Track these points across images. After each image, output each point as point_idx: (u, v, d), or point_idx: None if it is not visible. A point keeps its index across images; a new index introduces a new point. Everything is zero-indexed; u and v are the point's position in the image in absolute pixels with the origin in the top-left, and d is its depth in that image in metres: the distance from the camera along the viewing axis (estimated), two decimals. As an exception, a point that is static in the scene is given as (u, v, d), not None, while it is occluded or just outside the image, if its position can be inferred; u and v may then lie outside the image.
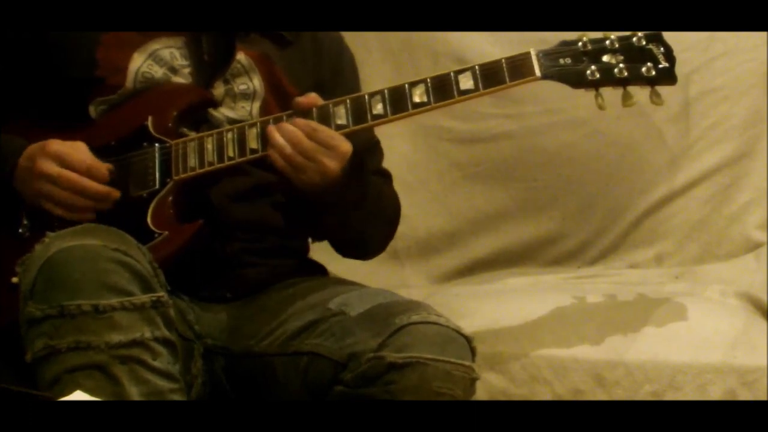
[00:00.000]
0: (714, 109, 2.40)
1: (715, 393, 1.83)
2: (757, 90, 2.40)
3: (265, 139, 1.59)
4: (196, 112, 1.69)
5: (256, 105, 1.72)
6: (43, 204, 1.59)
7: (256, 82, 1.72)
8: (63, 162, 1.58)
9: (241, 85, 1.72)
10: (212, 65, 1.71)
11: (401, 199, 2.21)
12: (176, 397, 1.43)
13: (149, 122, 1.66)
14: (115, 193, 1.60)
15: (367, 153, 1.72)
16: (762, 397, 1.81)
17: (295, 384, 1.56)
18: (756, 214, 2.39)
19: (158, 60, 1.69)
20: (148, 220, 1.60)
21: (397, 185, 2.54)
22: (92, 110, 1.68)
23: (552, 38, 2.44)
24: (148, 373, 1.40)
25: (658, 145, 2.42)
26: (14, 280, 1.44)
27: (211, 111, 1.70)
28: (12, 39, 1.68)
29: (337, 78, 1.80)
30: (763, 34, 2.35)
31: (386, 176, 1.85)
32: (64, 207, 1.58)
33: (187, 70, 1.70)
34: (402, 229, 2.59)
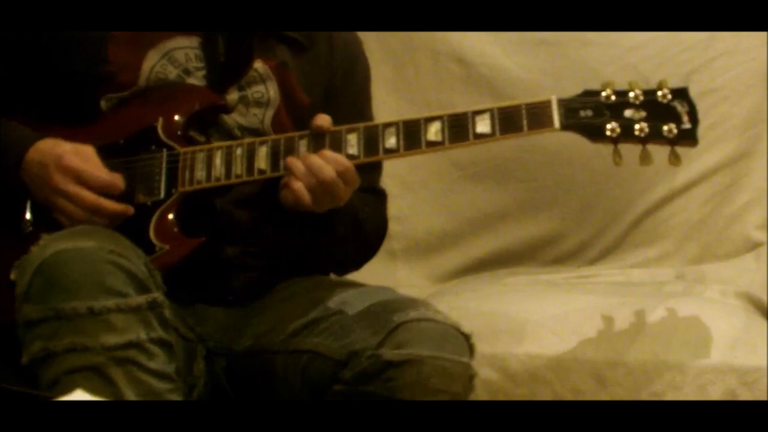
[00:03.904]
0: (714, 109, 2.40)
1: (715, 393, 1.83)
2: (757, 90, 2.40)
3: (275, 159, 1.58)
4: (207, 117, 1.68)
5: (269, 113, 1.70)
6: (57, 216, 1.57)
7: (272, 92, 1.70)
8: (80, 179, 1.55)
9: (255, 93, 1.70)
10: (228, 69, 1.69)
11: (401, 199, 2.22)
12: (173, 398, 1.43)
13: (159, 125, 1.64)
14: (129, 211, 1.57)
15: (366, 169, 1.67)
16: (762, 397, 1.81)
17: (295, 382, 1.56)
18: (756, 214, 2.39)
19: (172, 61, 1.67)
20: (151, 233, 1.58)
21: (397, 185, 2.53)
22: (103, 105, 1.66)
23: (552, 38, 2.46)
24: (143, 374, 1.39)
25: (658, 144, 2.42)
26: (12, 277, 1.44)
27: (222, 116, 1.68)
28: (19, 35, 1.67)
29: (348, 83, 1.78)
30: (763, 34, 2.35)
31: (380, 195, 1.82)
32: (79, 223, 1.55)
33: (201, 73, 1.68)
34: (402, 229, 2.60)
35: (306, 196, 1.55)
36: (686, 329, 1.92)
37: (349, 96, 1.77)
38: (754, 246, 2.37)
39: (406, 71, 2.56)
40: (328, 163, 1.54)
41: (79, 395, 1.26)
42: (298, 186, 1.55)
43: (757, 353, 1.86)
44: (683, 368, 1.85)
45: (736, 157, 2.42)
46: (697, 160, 2.41)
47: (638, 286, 2.27)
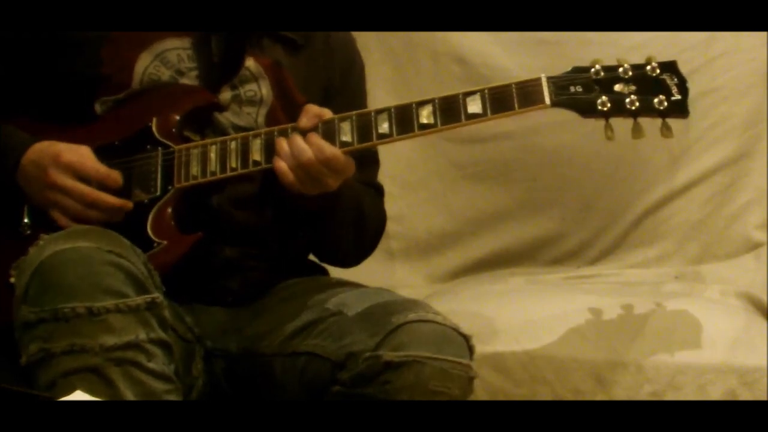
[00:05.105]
0: (714, 109, 2.40)
1: (715, 393, 1.83)
2: (757, 90, 2.40)
3: (269, 151, 1.58)
4: (201, 115, 1.68)
5: (263, 112, 1.71)
6: (54, 214, 1.58)
7: (264, 90, 1.71)
8: (76, 172, 1.57)
9: (248, 91, 1.70)
10: (220, 69, 1.69)
11: (401, 199, 2.21)
12: (171, 398, 1.43)
13: (153, 124, 1.65)
14: (128, 205, 1.59)
15: (364, 165, 1.69)
16: (762, 397, 1.81)
17: (293, 384, 1.56)
18: (756, 214, 2.39)
19: (165, 62, 1.68)
20: (148, 228, 1.59)
21: (397, 185, 2.52)
22: (98, 108, 1.67)
23: (552, 38, 2.46)
24: (142, 375, 1.39)
25: (658, 145, 2.42)
26: (12, 279, 1.44)
27: (216, 115, 1.69)
28: (15, 36, 1.67)
29: (346, 83, 1.79)
30: (763, 34, 2.35)
31: (378, 190, 1.83)
32: (76, 218, 1.57)
33: (193, 73, 1.69)
34: (402, 228, 2.59)
35: (289, 176, 1.55)
36: (686, 329, 1.92)
37: (346, 96, 1.77)
38: (754, 246, 2.37)
39: (406, 71, 2.56)
40: (310, 148, 1.54)
41: (80, 395, 1.26)
42: (280, 165, 1.55)
43: (757, 353, 1.86)
44: (683, 368, 1.85)
45: (736, 157, 2.41)
46: (697, 160, 2.41)
47: (638, 286, 2.27)
